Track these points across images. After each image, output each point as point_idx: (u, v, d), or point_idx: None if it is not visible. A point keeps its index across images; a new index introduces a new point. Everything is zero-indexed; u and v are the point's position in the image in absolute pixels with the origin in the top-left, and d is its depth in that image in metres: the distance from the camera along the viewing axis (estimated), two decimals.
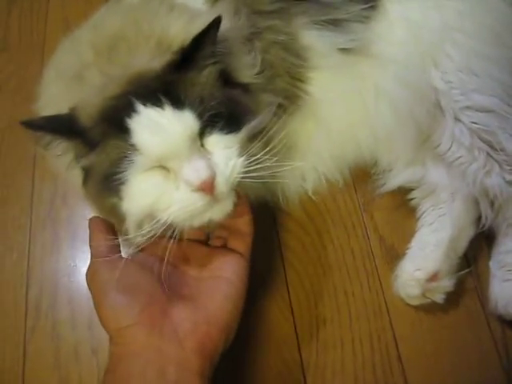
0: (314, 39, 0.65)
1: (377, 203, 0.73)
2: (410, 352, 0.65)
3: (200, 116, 0.47)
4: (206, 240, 0.58)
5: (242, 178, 0.49)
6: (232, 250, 0.53)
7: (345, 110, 0.68)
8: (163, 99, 0.46)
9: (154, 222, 0.47)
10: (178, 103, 0.47)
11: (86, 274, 0.51)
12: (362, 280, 0.69)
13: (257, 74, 0.58)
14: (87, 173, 0.50)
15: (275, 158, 0.52)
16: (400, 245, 0.70)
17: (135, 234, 0.50)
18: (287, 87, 0.66)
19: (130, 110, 0.46)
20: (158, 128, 0.46)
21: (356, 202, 0.74)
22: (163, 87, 0.47)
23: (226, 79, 0.54)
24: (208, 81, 0.51)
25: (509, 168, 0.64)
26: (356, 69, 0.66)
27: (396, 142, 0.69)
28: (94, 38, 0.56)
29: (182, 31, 0.53)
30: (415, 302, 0.66)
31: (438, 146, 0.67)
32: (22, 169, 0.78)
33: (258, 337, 0.66)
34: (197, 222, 0.49)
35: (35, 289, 0.71)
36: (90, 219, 0.55)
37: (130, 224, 0.50)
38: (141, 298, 0.47)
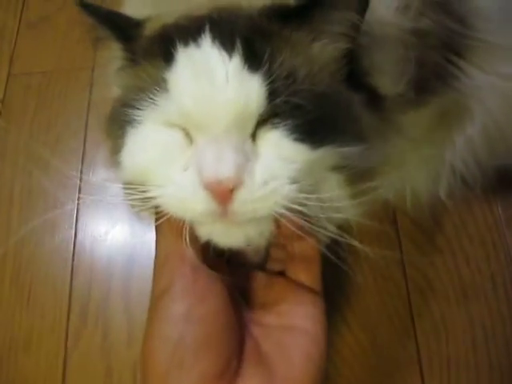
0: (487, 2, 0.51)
1: None
2: None
3: (273, 94, 0.33)
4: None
5: (280, 213, 0.33)
6: (299, 284, 0.38)
7: (506, 100, 0.54)
8: (238, 46, 0.33)
9: (142, 189, 0.34)
10: (253, 60, 0.33)
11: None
12: (503, 313, 0.56)
13: (398, 93, 0.41)
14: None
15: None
16: None
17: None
18: (441, 61, 0.52)
19: (192, 37, 0.34)
20: (207, 75, 0.33)
21: (497, 215, 0.60)
22: (248, 33, 0.34)
23: (353, 74, 0.38)
24: (319, 56, 0.36)
25: None
26: None
27: None
28: None
29: None
30: None
31: None
32: (74, 118, 0.65)
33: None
34: (197, 231, 0.35)
35: (81, 282, 0.55)
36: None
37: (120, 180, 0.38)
38: (209, 361, 0.33)
